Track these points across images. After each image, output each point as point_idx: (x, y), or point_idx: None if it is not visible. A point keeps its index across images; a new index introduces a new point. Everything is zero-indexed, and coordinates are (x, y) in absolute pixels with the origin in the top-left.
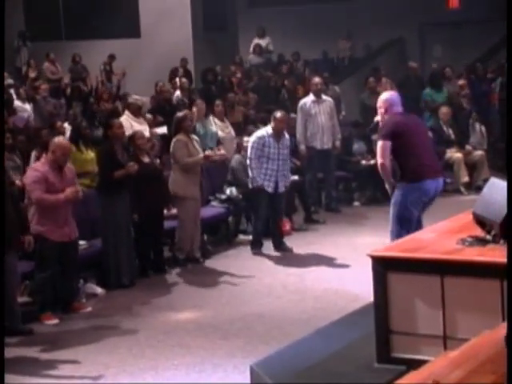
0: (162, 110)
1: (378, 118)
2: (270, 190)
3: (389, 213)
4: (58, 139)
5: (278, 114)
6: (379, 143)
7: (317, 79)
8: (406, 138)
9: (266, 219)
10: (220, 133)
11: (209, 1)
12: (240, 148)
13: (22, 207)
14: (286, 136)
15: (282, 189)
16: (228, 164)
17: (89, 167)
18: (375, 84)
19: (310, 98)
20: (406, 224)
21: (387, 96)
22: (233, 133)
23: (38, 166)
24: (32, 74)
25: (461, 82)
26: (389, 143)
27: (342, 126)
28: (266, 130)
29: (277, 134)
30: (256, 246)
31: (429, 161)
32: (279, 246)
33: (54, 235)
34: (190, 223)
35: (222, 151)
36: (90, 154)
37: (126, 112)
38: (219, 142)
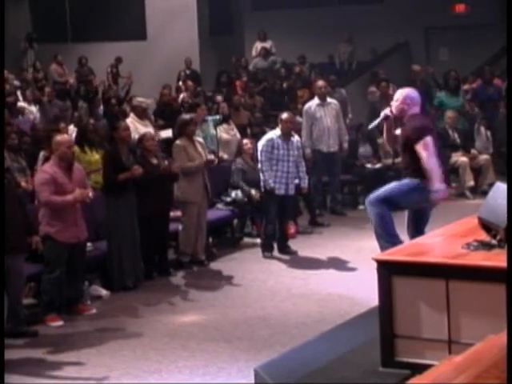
0: (163, 113)
1: (387, 111)
2: (281, 192)
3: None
4: (59, 136)
5: (284, 115)
6: (422, 145)
7: (320, 82)
8: (432, 138)
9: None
10: (225, 135)
11: (215, 4)
12: (241, 151)
13: (29, 208)
14: (296, 138)
15: (292, 191)
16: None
17: (93, 168)
18: (387, 88)
19: (315, 101)
20: (390, 207)
21: (410, 92)
22: (238, 135)
23: (46, 168)
24: (38, 76)
25: (466, 86)
26: (430, 139)
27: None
28: (275, 133)
29: (285, 136)
30: (267, 249)
31: (441, 166)
32: (284, 248)
33: (62, 236)
34: (192, 227)
35: (225, 155)
36: (95, 156)
37: (131, 114)
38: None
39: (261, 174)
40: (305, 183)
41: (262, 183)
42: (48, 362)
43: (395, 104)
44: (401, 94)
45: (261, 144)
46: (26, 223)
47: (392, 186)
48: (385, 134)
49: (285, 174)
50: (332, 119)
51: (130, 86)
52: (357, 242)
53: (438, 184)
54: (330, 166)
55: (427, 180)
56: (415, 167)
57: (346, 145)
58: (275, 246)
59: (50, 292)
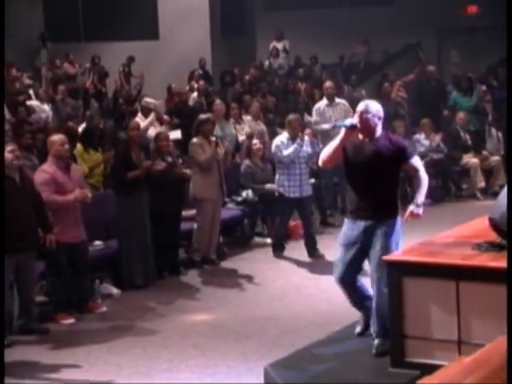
0: (174, 112)
1: (354, 121)
2: (296, 195)
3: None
4: (53, 136)
5: (290, 117)
6: (418, 159)
7: (328, 83)
8: None
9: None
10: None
11: (227, 4)
12: (250, 152)
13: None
14: (306, 138)
15: (306, 192)
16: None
17: (95, 168)
18: (390, 89)
19: (324, 101)
20: None
21: (379, 105)
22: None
23: (45, 167)
24: (50, 75)
25: (484, 87)
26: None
27: None
28: (285, 135)
29: (293, 138)
30: (278, 249)
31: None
32: (313, 252)
33: (63, 237)
34: (207, 225)
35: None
36: (97, 155)
37: (139, 114)
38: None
39: (276, 176)
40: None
41: (276, 184)
42: (58, 359)
43: (367, 116)
44: (373, 106)
45: (274, 146)
46: (42, 221)
47: (385, 248)
48: (336, 147)
49: (297, 176)
50: (341, 119)
51: (142, 86)
52: None
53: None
54: (340, 167)
55: (418, 192)
56: (392, 199)
57: None
58: (305, 249)
59: (56, 292)
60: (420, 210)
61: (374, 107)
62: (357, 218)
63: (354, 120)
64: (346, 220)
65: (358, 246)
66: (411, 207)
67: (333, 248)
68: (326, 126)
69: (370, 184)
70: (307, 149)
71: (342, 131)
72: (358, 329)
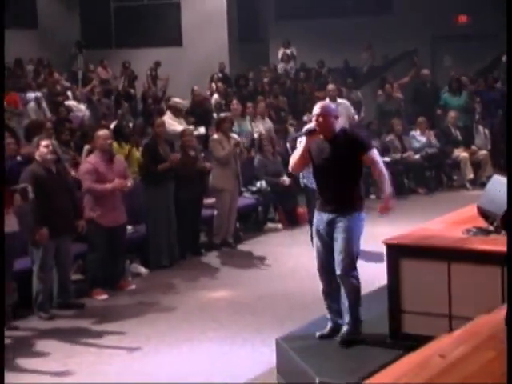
0: (195, 111)
1: (311, 126)
2: (314, 186)
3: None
4: (99, 131)
5: (305, 118)
6: (376, 152)
7: (330, 86)
8: None
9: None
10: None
11: (243, 14)
12: (262, 146)
13: (78, 195)
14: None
15: (311, 184)
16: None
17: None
18: (391, 90)
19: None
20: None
21: (332, 105)
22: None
23: (90, 159)
24: (91, 77)
25: (473, 88)
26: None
27: (360, 127)
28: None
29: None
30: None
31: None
32: None
33: (103, 220)
34: (225, 212)
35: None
36: (128, 147)
37: (168, 113)
38: (253, 140)
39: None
40: None
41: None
42: (93, 330)
43: (323, 117)
44: (327, 107)
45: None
46: (74, 208)
47: (346, 241)
48: (301, 153)
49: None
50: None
51: (167, 87)
52: (368, 228)
53: (390, 189)
54: None
55: (382, 187)
56: (353, 194)
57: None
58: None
59: (94, 270)
60: (390, 203)
61: (328, 108)
62: (321, 211)
63: (312, 125)
64: (315, 211)
65: (326, 237)
66: (380, 205)
67: None
68: None
69: (331, 180)
70: None
71: (304, 138)
72: (326, 330)
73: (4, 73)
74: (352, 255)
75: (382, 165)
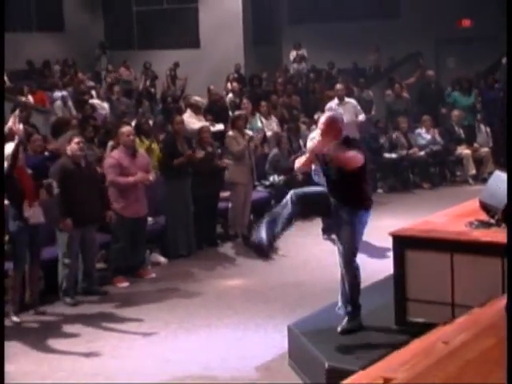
0: (212, 109)
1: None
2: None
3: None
4: (122, 128)
5: (317, 117)
6: (356, 152)
7: (339, 85)
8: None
9: None
10: (265, 129)
11: (258, 18)
12: (279, 142)
13: (104, 188)
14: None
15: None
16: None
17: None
18: (400, 90)
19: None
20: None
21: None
22: (276, 130)
23: (114, 154)
24: (109, 79)
25: (476, 90)
26: None
27: (369, 125)
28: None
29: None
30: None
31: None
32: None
33: (126, 212)
34: (239, 205)
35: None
36: (149, 142)
37: (188, 110)
38: (265, 137)
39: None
40: None
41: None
42: (115, 316)
43: (335, 124)
44: (337, 114)
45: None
46: (102, 200)
47: (350, 237)
48: (310, 158)
49: None
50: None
51: (185, 87)
52: (375, 221)
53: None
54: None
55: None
56: (356, 193)
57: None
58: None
59: (116, 259)
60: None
61: (338, 115)
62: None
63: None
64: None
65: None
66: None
67: None
68: None
69: (336, 181)
70: None
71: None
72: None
73: (4, 73)
74: (354, 247)
75: (353, 154)
